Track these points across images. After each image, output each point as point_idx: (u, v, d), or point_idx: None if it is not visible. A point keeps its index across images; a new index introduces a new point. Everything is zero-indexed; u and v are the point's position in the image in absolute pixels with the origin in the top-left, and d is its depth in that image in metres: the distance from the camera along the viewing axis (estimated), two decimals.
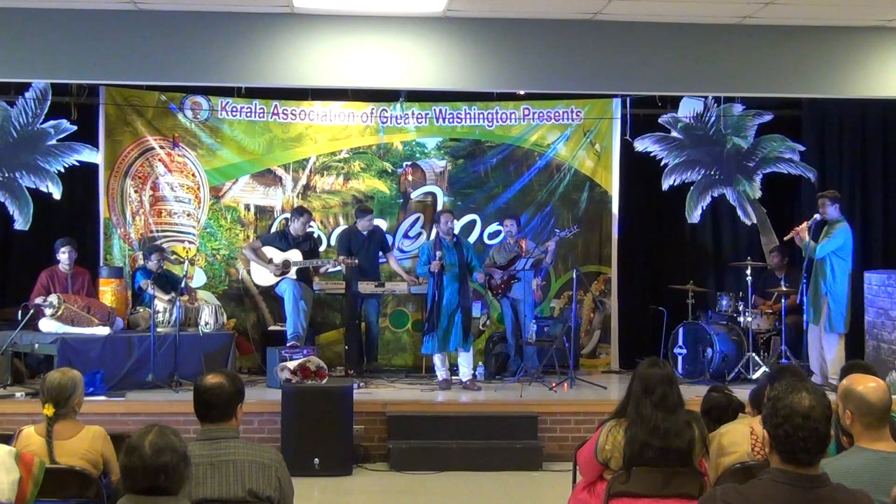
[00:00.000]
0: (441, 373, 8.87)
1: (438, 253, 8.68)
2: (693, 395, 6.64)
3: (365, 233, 9.62)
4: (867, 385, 3.43)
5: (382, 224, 10.10)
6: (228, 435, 3.64)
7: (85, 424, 4.50)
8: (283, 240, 9.47)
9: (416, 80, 8.12)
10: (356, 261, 9.32)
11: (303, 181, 10.30)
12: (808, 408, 2.81)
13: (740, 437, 4.36)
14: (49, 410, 4.34)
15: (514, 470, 7.57)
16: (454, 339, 8.68)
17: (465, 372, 8.84)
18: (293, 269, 9.26)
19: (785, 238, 9.38)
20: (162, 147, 10.09)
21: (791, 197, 10.71)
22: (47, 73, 8.05)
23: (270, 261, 9.33)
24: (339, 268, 9.58)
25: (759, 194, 10.47)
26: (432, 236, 10.18)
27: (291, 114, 10.23)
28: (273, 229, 10.08)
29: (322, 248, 10.00)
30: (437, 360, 8.88)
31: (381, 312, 9.91)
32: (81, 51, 7.68)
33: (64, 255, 8.92)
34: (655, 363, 4.39)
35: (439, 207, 10.36)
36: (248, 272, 9.89)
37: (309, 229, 9.68)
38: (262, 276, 9.44)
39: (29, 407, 7.34)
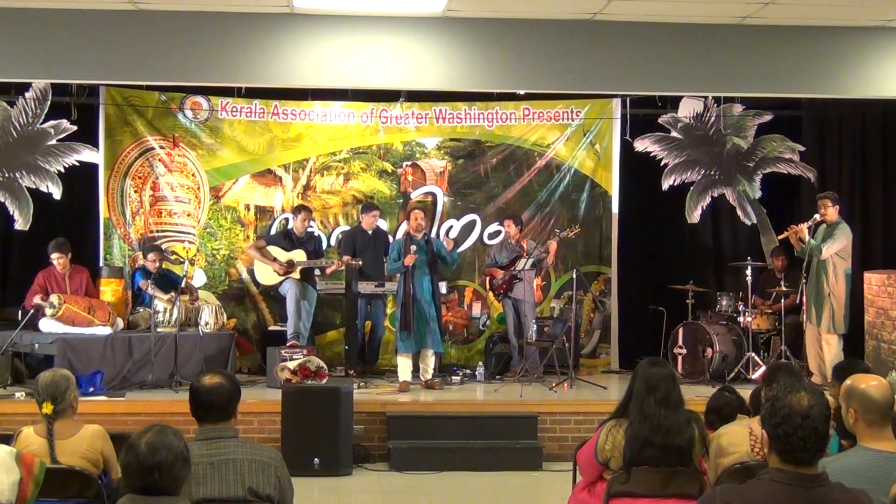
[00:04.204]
0: (404, 374, 8.67)
1: (413, 247, 8.62)
2: (693, 395, 6.66)
3: (370, 232, 9.60)
4: (869, 383, 3.45)
5: (383, 224, 10.09)
6: (228, 434, 3.64)
7: (84, 423, 4.50)
8: (287, 239, 9.47)
9: (416, 80, 8.11)
10: (360, 262, 9.30)
11: (303, 181, 10.30)
12: (808, 407, 2.81)
13: (740, 438, 4.36)
14: (48, 408, 4.34)
15: (514, 470, 7.57)
16: (432, 339, 8.60)
17: (427, 370, 8.74)
18: (297, 270, 9.26)
19: (780, 237, 9.40)
20: (162, 147, 10.10)
21: (791, 197, 10.71)
22: (47, 73, 8.06)
23: (275, 259, 9.32)
24: (342, 268, 9.55)
25: (758, 194, 10.47)
26: (433, 235, 10.21)
27: (291, 114, 10.23)
28: (273, 229, 10.08)
29: (323, 248, 9.98)
30: (402, 360, 8.69)
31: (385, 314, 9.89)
32: (81, 51, 7.68)
33: (59, 261, 8.83)
34: (657, 362, 4.40)
35: (439, 207, 10.38)
36: (251, 271, 9.88)
37: (309, 228, 9.68)
38: (265, 275, 9.44)
39: (29, 407, 7.30)
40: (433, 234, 10.22)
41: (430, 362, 8.77)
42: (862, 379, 3.50)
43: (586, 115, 10.38)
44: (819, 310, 8.70)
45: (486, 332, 10.36)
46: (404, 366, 8.69)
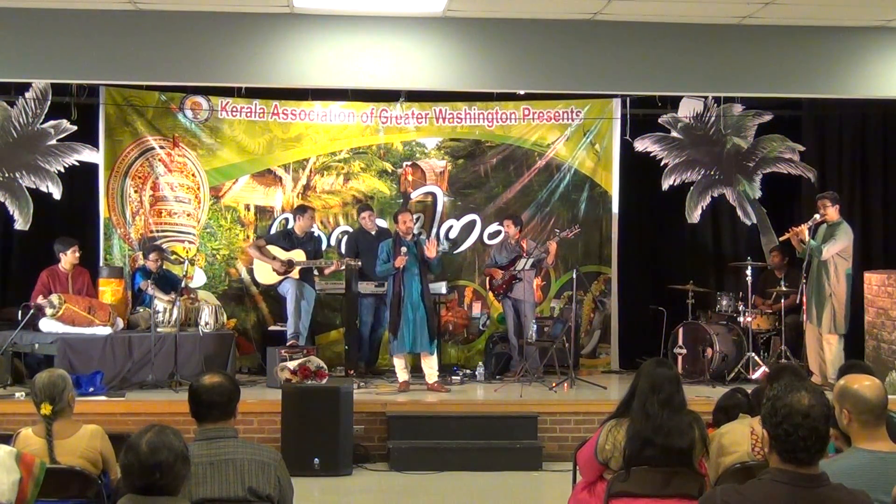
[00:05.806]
0: (402, 374, 8.64)
1: (403, 249, 8.56)
2: (693, 395, 6.66)
3: (373, 233, 9.59)
4: (863, 383, 3.44)
5: (383, 224, 10.08)
6: (227, 434, 3.65)
7: (82, 423, 4.49)
8: (287, 239, 9.46)
9: (416, 80, 8.11)
10: (359, 263, 9.28)
11: (303, 181, 10.30)
12: (808, 407, 2.81)
13: (741, 437, 4.35)
14: (46, 409, 4.34)
15: (514, 470, 7.56)
16: (421, 341, 8.52)
17: (430, 374, 8.68)
18: (296, 270, 9.25)
19: (781, 239, 9.40)
20: (162, 147, 10.10)
21: (791, 197, 10.71)
22: (47, 73, 8.05)
23: (274, 258, 9.31)
24: (341, 268, 9.54)
25: (759, 194, 10.47)
26: (432, 236, 10.20)
27: (291, 114, 10.24)
28: (273, 229, 10.07)
29: (322, 248, 9.98)
30: (397, 361, 8.67)
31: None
32: (81, 51, 7.67)
33: (75, 255, 8.89)
34: (663, 363, 4.42)
35: (439, 207, 10.38)
36: (251, 270, 9.88)
37: (310, 229, 9.67)
38: (264, 274, 9.43)
39: (29, 407, 7.27)
40: (433, 235, 10.22)
41: (427, 365, 8.71)
42: (855, 379, 3.48)
43: (586, 115, 10.38)
44: (820, 310, 8.70)
45: (486, 332, 10.36)
46: (400, 366, 8.67)
